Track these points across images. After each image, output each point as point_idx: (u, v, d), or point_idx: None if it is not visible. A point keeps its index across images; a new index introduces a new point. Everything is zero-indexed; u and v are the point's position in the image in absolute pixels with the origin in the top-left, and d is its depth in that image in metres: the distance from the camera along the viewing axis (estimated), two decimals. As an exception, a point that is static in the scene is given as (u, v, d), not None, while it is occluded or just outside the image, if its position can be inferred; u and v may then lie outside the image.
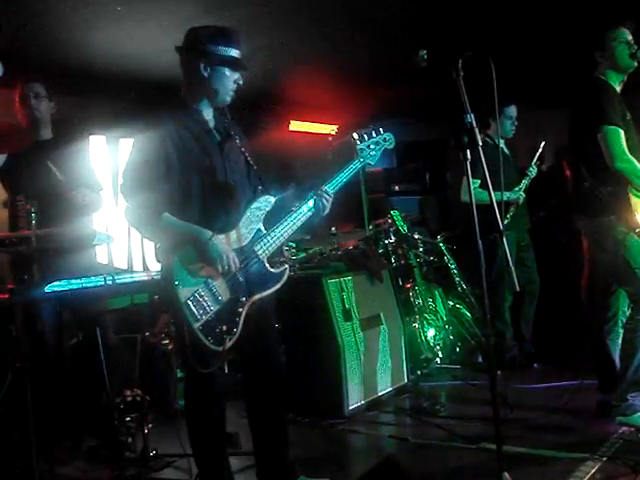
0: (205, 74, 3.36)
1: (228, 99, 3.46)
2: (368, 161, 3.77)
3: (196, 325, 3.14)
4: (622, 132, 4.18)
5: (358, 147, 3.74)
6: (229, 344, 3.22)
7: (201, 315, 3.16)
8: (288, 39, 5.65)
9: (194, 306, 3.16)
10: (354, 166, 3.69)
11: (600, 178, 4.24)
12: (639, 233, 4.17)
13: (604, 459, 3.82)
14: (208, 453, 3.50)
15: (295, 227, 3.50)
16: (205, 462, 3.51)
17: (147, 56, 5.67)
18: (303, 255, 5.97)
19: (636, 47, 4.30)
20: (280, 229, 3.46)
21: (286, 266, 3.50)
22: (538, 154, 6.17)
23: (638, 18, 4.45)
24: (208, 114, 3.49)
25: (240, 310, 3.29)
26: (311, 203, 3.52)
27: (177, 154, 3.28)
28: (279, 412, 3.67)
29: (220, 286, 3.26)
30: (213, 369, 3.21)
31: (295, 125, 8.44)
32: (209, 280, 3.24)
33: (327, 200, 3.53)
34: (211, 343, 3.17)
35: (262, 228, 3.45)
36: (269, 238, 3.43)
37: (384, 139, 3.84)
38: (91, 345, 4.39)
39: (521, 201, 6.02)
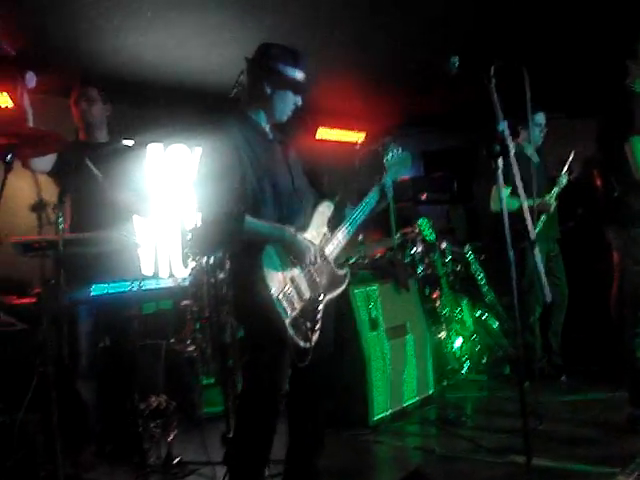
0: (268, 91, 3.40)
1: (285, 118, 3.50)
2: (396, 177, 3.83)
3: (287, 321, 3.17)
4: None
5: (387, 165, 3.80)
6: (314, 340, 3.25)
7: (290, 311, 3.20)
8: (314, 45, 5.64)
9: (285, 302, 3.19)
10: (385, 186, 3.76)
11: (630, 188, 4.18)
12: None
13: (635, 475, 3.74)
14: (255, 462, 3.41)
15: (352, 231, 3.59)
16: (247, 470, 3.41)
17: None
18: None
19: None
20: (341, 232, 3.54)
21: (348, 269, 3.58)
22: (568, 163, 6.11)
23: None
24: (266, 126, 3.52)
25: (319, 307, 3.34)
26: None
27: (249, 161, 3.30)
28: (323, 421, 3.62)
29: (302, 284, 3.31)
30: (306, 363, 3.20)
31: (322, 132, 8.42)
32: (294, 277, 3.27)
33: (390, 194, 3.69)
34: (300, 339, 3.20)
35: (327, 231, 3.52)
36: (334, 240, 3.51)
37: (404, 159, 3.89)
38: (118, 350, 4.40)
39: (552, 210, 5.95)
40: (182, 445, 4.41)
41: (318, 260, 3.33)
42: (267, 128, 3.52)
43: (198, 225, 4.41)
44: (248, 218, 3.19)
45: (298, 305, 3.23)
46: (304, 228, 3.40)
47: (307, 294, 3.30)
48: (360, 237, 6.15)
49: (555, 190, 6.01)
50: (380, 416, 5.05)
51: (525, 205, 3.16)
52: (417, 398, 5.45)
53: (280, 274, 3.21)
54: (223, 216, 3.17)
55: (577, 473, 3.87)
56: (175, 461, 4.25)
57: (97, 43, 5.22)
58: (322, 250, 3.43)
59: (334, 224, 3.57)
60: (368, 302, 5.21)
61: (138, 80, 6.03)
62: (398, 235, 6.75)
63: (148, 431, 4.26)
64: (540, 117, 6.09)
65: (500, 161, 3.21)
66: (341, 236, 3.54)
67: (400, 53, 6.23)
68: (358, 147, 7.37)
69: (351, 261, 5.90)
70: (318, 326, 3.29)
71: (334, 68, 6.26)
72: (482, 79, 3.09)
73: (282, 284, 3.20)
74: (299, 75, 3.43)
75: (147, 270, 6.41)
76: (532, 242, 3.15)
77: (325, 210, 3.55)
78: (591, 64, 6.36)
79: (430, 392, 5.62)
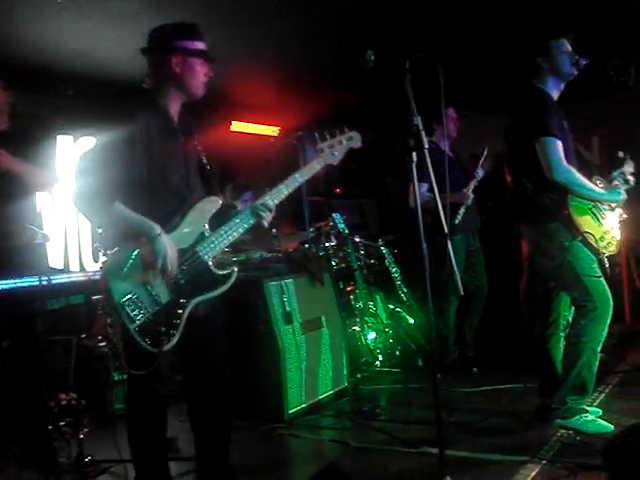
0: (177, 70, 3.32)
1: (200, 92, 3.43)
2: (330, 162, 3.71)
3: (132, 326, 3.08)
4: (559, 142, 4.20)
5: (318, 146, 3.67)
6: (167, 346, 3.15)
7: (137, 316, 3.10)
8: (230, 38, 5.59)
9: (130, 307, 3.09)
10: (315, 167, 3.64)
11: (542, 186, 4.26)
12: (582, 240, 4.23)
13: (544, 462, 3.84)
14: (148, 458, 3.43)
15: (241, 230, 3.43)
16: (144, 467, 3.43)
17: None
18: (243, 257, 5.90)
19: (577, 56, 4.35)
20: (224, 231, 3.39)
21: (234, 269, 3.40)
22: (483, 158, 6.24)
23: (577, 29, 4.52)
24: (175, 111, 3.44)
25: (180, 312, 3.21)
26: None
27: (141, 147, 3.21)
28: (222, 416, 3.59)
29: (159, 287, 3.19)
30: (148, 371, 3.13)
31: (236, 126, 8.36)
32: (147, 281, 3.17)
33: (264, 214, 3.43)
34: (148, 344, 3.10)
35: (206, 229, 3.38)
36: (212, 239, 3.36)
37: (349, 138, 3.76)
38: (22, 348, 4.25)
39: (469, 202, 6.06)
40: (94, 443, 4.30)
41: (169, 267, 3.16)
42: (177, 113, 3.44)
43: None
44: (118, 203, 3.10)
45: (151, 309, 3.15)
46: (175, 226, 3.28)
47: (166, 298, 3.20)
48: (274, 231, 6.13)
49: (473, 183, 6.13)
50: (295, 409, 5.04)
51: (438, 201, 3.18)
52: (332, 391, 5.47)
53: (131, 277, 3.13)
54: (94, 190, 3.07)
55: (489, 462, 3.93)
56: (86, 460, 4.14)
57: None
58: (193, 251, 3.30)
59: (220, 221, 3.42)
60: (282, 295, 5.20)
61: (46, 68, 5.87)
62: (312, 229, 6.77)
63: (58, 430, 4.16)
64: (451, 111, 6.21)
65: (414, 155, 3.23)
66: (225, 234, 3.39)
67: (314, 48, 6.23)
68: (273, 140, 7.36)
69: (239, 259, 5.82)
70: (177, 331, 3.18)
71: (249, 63, 6.24)
72: (397, 73, 3.10)
73: (130, 288, 3.12)
74: (200, 45, 3.38)
75: (57, 264, 6.25)
76: (446, 236, 3.18)
77: (208, 207, 3.39)
78: (501, 61, 6.49)
79: (345, 385, 5.65)
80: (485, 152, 6.25)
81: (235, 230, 3.42)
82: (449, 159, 6.06)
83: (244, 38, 5.74)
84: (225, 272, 3.37)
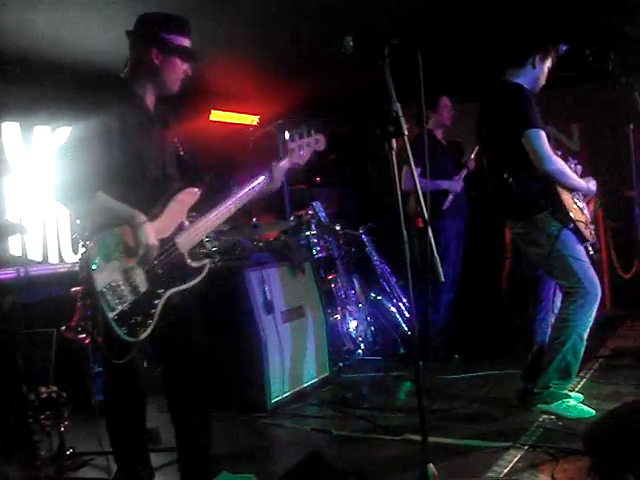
0: (156, 62, 3.30)
1: (175, 88, 3.40)
2: (298, 162, 3.80)
3: (111, 315, 3.05)
4: (544, 134, 4.24)
5: (289, 147, 3.74)
6: (143, 336, 3.14)
7: (116, 305, 3.07)
8: (207, 26, 5.54)
9: (110, 295, 3.06)
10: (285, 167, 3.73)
11: (526, 178, 4.28)
12: (573, 228, 4.27)
13: (526, 447, 3.86)
14: (128, 449, 3.41)
15: (218, 221, 3.45)
16: (125, 458, 3.42)
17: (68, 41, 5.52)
18: (223, 247, 5.87)
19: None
20: (203, 222, 3.39)
21: (207, 261, 3.41)
22: (475, 152, 6.33)
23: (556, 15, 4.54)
24: (151, 102, 3.41)
25: (156, 302, 3.21)
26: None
27: (119, 138, 3.18)
28: (202, 407, 3.59)
29: (139, 276, 3.17)
30: (126, 360, 3.11)
31: (216, 115, 8.31)
32: (127, 270, 3.14)
33: None
34: (125, 334, 3.08)
35: (185, 220, 3.37)
36: (191, 231, 3.36)
37: (316, 140, 3.86)
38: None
39: (458, 189, 6.14)
40: (75, 436, 4.29)
41: (149, 257, 3.16)
42: (153, 103, 3.41)
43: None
44: (101, 192, 3.08)
45: (130, 298, 3.13)
46: (156, 216, 3.25)
47: (144, 287, 3.18)
48: (254, 220, 6.10)
49: (463, 172, 6.22)
50: (278, 399, 5.04)
51: (419, 187, 3.18)
52: (314, 380, 5.48)
53: (111, 265, 3.10)
54: (76, 180, 3.04)
55: (471, 449, 3.94)
56: (67, 452, 4.12)
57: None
58: (172, 242, 3.28)
59: (199, 212, 3.42)
60: (263, 285, 5.18)
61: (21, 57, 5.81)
62: (293, 217, 6.75)
63: (38, 423, 4.13)
64: (445, 100, 6.28)
65: (394, 142, 3.22)
66: (203, 226, 3.40)
67: (291, 35, 6.19)
68: (252, 130, 7.32)
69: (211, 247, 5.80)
70: (153, 321, 3.17)
71: (228, 51, 6.19)
72: (377, 60, 3.08)
73: (111, 276, 3.08)
74: (186, 42, 3.35)
75: (35, 256, 6.20)
76: (426, 223, 3.17)
77: (187, 198, 3.37)
78: (478, 52, 6.52)
79: (327, 373, 5.65)
80: (477, 148, 6.29)
81: (214, 220, 3.43)
82: (442, 147, 6.16)
83: (221, 26, 5.69)
84: (199, 264, 3.38)
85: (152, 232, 3.17)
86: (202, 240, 3.47)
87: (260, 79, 7.16)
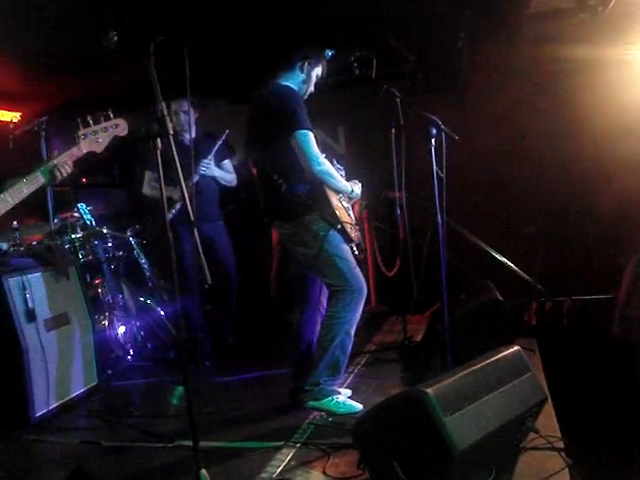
0: None
1: None
2: (94, 149, 3.57)
3: None
4: (313, 136, 4.33)
5: (80, 133, 3.49)
6: None
7: None
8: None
9: None
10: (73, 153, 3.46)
11: (295, 179, 4.35)
12: (340, 229, 4.39)
13: (298, 445, 3.91)
14: None
15: None
16: None
17: None
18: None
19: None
20: None
21: None
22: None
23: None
24: None
25: None
26: None
27: None
28: None
29: None
30: None
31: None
32: None
33: None
34: None
35: None
36: None
37: (115, 125, 3.62)
38: None
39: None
40: None
41: None
42: None
43: None
44: None
45: None
46: None
47: None
48: (15, 223, 5.76)
49: (195, 176, 6.09)
50: (42, 412, 4.76)
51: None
52: (83, 389, 5.24)
53: None
54: None
55: (245, 450, 3.92)
56: None
57: None
58: None
59: None
60: (24, 292, 4.87)
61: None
62: (56, 220, 6.45)
63: None
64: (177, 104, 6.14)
65: (159, 141, 3.15)
66: None
67: (56, 32, 5.92)
68: (12, 126, 6.93)
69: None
70: None
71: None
72: (142, 57, 2.99)
73: None
74: None
75: None
76: (192, 224, 3.14)
77: None
78: (248, 54, 6.57)
79: (95, 382, 5.42)
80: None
81: None
82: (183, 148, 5.86)
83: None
84: None
85: None
86: None
87: (21, 74, 6.82)
